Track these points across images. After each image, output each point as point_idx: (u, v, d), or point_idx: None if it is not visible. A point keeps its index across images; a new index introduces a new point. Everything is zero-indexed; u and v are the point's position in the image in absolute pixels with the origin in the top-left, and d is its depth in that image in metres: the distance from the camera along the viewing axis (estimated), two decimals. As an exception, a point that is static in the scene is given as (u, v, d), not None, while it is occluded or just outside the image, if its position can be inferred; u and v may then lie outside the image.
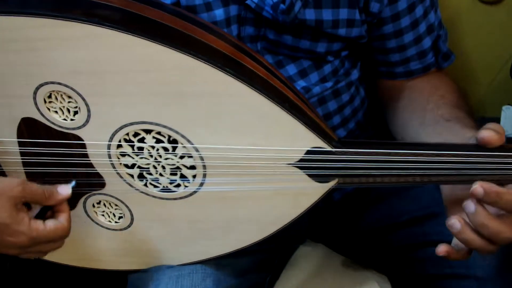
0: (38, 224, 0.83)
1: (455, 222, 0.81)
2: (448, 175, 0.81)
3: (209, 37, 0.81)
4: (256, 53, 0.83)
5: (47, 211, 0.86)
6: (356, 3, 0.97)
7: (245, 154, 0.82)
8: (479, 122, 1.33)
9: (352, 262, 1.19)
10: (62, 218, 0.85)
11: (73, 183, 0.88)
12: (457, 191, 0.87)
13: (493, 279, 0.98)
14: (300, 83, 1.04)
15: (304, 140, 0.81)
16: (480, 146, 0.80)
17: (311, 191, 0.85)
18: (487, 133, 0.79)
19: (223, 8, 0.94)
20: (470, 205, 0.79)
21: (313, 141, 0.81)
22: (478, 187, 0.78)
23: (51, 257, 0.96)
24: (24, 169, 0.89)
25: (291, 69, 1.03)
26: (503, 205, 0.79)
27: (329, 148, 0.81)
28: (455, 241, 0.84)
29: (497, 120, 1.25)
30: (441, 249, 0.84)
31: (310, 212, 0.88)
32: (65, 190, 0.86)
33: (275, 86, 0.80)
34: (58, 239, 0.86)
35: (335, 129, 1.11)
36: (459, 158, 0.80)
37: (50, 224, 0.84)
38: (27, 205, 0.85)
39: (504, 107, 1.23)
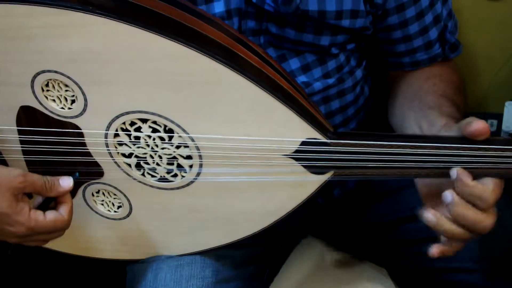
0: (38, 215, 0.79)
1: (428, 215, 0.77)
2: (444, 168, 0.76)
3: (204, 26, 0.76)
4: (250, 42, 0.78)
5: (51, 201, 0.82)
6: None
7: (240, 144, 0.77)
8: (482, 118, 1.27)
9: (353, 257, 1.14)
10: (63, 210, 0.82)
11: (76, 175, 0.84)
12: (433, 187, 0.81)
13: (499, 272, 0.93)
14: (301, 78, 0.97)
15: (299, 130, 0.75)
16: (469, 138, 0.75)
17: (307, 183, 0.79)
18: (480, 125, 0.74)
19: (224, 0, 0.89)
20: (448, 195, 0.75)
21: (308, 132, 0.75)
22: (454, 170, 0.74)
23: (51, 245, 0.91)
24: (24, 157, 0.85)
25: (294, 64, 0.97)
26: (474, 198, 0.75)
27: (324, 139, 0.75)
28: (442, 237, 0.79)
29: (500, 116, 1.19)
30: (434, 250, 0.80)
31: (309, 206, 0.82)
32: (66, 182, 0.82)
33: (268, 75, 0.75)
34: (57, 231, 0.82)
35: (336, 128, 1.04)
36: (451, 151, 0.75)
37: (50, 215, 0.80)
38: (29, 195, 0.81)
39: (507, 103, 1.17)
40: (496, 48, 1.23)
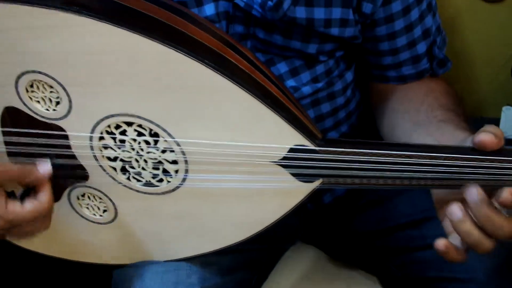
0: (15, 206, 0.76)
1: (456, 209, 0.71)
2: (439, 179, 0.73)
3: (194, 29, 0.74)
4: (240, 46, 0.76)
5: (30, 191, 0.79)
6: (350, 2, 0.89)
7: (226, 150, 0.75)
8: (479, 122, 1.25)
9: (343, 264, 1.12)
10: (42, 197, 0.78)
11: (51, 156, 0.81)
12: (450, 194, 0.76)
13: (493, 282, 0.91)
14: (290, 83, 0.95)
15: (287, 137, 0.73)
16: (477, 149, 0.71)
17: (295, 191, 0.77)
18: (487, 136, 0.70)
19: (213, 3, 0.87)
20: (473, 193, 0.70)
21: (297, 139, 0.73)
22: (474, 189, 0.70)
23: (35, 247, 0.91)
24: (9, 159, 0.83)
25: (282, 68, 0.95)
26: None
27: (312, 147, 0.73)
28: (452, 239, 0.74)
29: (497, 120, 1.18)
30: (441, 242, 0.73)
31: (299, 213, 0.80)
32: (44, 167, 0.79)
33: (258, 81, 0.73)
34: (39, 219, 0.79)
35: (326, 132, 1.03)
36: (451, 161, 0.71)
37: (28, 204, 0.77)
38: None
39: (504, 108, 1.16)
40: (494, 51, 1.21)
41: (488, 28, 1.19)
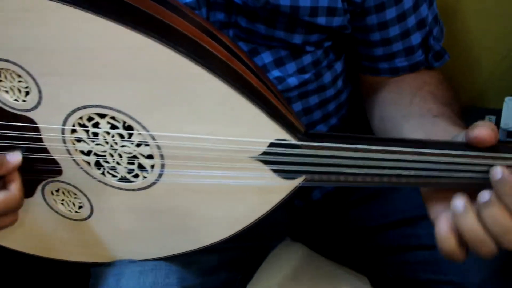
0: None
1: (458, 201, 0.64)
2: (429, 177, 0.68)
3: (167, 14, 0.69)
4: (220, 34, 0.71)
5: None
6: None
7: (203, 144, 0.71)
8: (480, 113, 1.21)
9: (333, 263, 1.09)
10: (12, 188, 0.75)
11: (23, 149, 0.77)
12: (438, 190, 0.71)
13: (488, 286, 0.86)
14: (275, 73, 0.91)
15: (268, 131, 0.69)
16: (471, 145, 0.66)
17: (277, 188, 0.73)
18: (483, 131, 0.64)
19: None
20: (485, 194, 0.63)
21: (277, 133, 0.69)
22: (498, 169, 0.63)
23: (9, 244, 0.87)
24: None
25: (266, 57, 0.90)
26: None
27: (294, 141, 0.69)
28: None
29: (499, 111, 1.13)
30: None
31: (286, 209, 0.76)
32: (14, 157, 0.75)
33: (236, 70, 0.68)
34: (10, 211, 0.76)
35: (315, 124, 0.98)
36: (444, 158, 0.67)
37: None
38: None
39: (507, 99, 1.11)
40: (496, 40, 1.17)
41: (489, 17, 1.15)
